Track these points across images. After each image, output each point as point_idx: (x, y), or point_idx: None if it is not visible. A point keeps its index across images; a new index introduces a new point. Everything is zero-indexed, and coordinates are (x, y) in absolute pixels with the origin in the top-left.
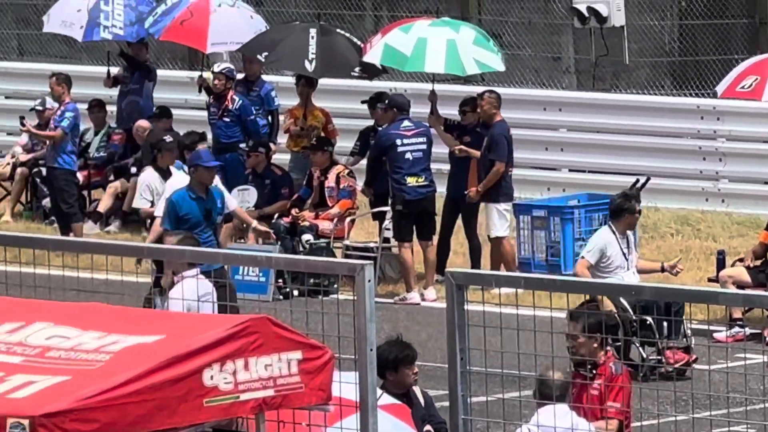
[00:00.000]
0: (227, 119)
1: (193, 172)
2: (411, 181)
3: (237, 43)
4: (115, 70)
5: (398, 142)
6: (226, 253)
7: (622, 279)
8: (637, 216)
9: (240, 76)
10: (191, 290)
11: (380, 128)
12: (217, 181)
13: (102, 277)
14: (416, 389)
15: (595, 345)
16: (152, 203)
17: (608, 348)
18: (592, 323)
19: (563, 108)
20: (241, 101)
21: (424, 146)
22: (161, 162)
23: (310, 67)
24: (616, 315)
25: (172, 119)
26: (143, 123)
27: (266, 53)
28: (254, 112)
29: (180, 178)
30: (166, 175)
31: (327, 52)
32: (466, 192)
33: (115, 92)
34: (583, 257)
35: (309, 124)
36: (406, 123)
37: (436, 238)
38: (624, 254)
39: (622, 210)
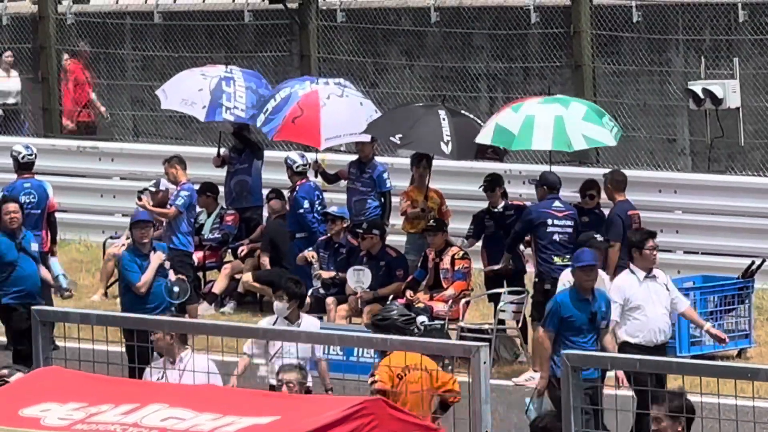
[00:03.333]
0: (288, 208)
1: (573, 273)
2: (558, 260)
3: (350, 134)
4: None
5: (549, 221)
6: (341, 334)
7: None
8: None
9: (354, 157)
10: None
11: (493, 209)
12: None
13: (217, 358)
14: None
15: (680, 428)
16: None
17: None
18: (676, 406)
19: (678, 190)
20: (295, 193)
21: (570, 230)
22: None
23: (447, 149)
24: None
25: (284, 201)
26: (275, 204)
27: (400, 135)
28: (305, 206)
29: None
30: None
31: (461, 134)
32: None
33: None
34: None
35: (429, 206)
36: (557, 203)
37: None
38: None
39: None
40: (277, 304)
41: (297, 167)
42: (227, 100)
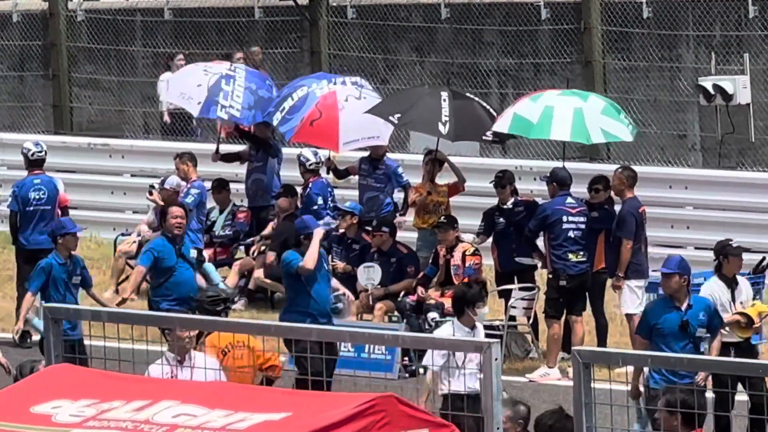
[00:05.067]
0: (299, 206)
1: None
2: (572, 257)
3: (367, 138)
4: (238, 148)
5: (564, 218)
6: (352, 331)
7: None
8: None
9: (365, 154)
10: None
11: (502, 206)
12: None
13: None
14: None
15: (675, 423)
16: None
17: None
18: (672, 400)
19: (689, 186)
20: (308, 190)
21: (583, 226)
22: (727, 270)
23: (443, 129)
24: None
25: (297, 197)
26: (283, 203)
27: (398, 115)
28: (319, 202)
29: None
30: (731, 283)
31: (460, 115)
32: (596, 270)
33: (239, 169)
34: None
35: (435, 200)
36: (569, 200)
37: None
38: None
39: None
40: (482, 312)
41: (310, 165)
42: (224, 98)
